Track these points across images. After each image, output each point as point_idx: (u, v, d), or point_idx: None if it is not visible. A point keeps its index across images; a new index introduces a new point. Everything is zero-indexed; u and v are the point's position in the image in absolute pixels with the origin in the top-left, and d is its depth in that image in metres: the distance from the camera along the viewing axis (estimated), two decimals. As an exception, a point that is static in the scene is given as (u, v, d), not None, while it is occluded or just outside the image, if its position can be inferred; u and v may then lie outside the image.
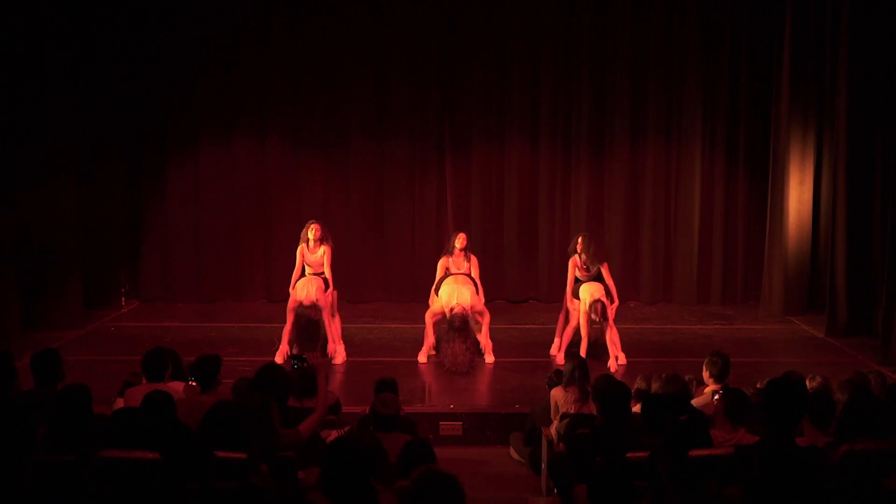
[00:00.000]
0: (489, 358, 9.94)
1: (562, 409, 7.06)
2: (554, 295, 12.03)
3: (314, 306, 9.78)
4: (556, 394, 7.25)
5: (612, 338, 9.83)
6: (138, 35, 12.69)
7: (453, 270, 10.07)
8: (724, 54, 12.86)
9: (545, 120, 13.13)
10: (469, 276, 10.05)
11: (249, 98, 13.04)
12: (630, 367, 9.58)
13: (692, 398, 6.87)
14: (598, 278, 10.04)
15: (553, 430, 6.85)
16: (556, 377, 7.63)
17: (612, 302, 9.89)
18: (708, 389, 6.95)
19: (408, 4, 12.96)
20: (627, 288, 12.53)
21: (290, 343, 9.82)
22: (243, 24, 12.89)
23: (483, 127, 13.14)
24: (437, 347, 9.97)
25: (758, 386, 6.75)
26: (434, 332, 9.99)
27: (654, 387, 6.91)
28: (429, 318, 9.98)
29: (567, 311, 10.15)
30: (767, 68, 12.48)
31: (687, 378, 7.27)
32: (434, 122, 13.15)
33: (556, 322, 10.48)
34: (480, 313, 9.96)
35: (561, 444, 6.39)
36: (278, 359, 9.58)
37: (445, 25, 12.99)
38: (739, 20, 12.82)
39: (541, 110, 13.11)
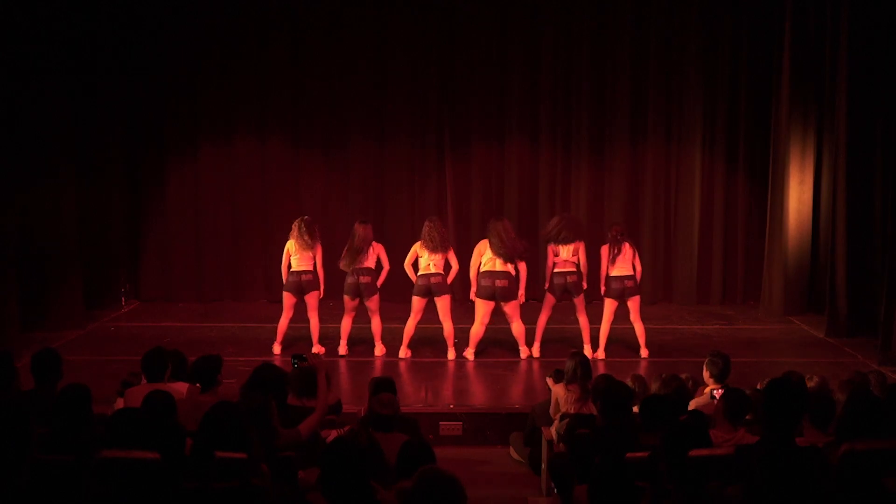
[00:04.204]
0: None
1: (562, 408, 7.05)
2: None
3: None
4: (558, 391, 7.25)
5: (582, 324, 10.14)
6: (138, 35, 12.70)
7: (430, 269, 10.03)
8: (724, 55, 12.87)
9: (545, 120, 13.13)
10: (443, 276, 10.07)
11: (249, 98, 13.05)
12: (630, 367, 9.58)
13: (691, 398, 6.87)
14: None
15: (553, 429, 6.85)
16: (557, 376, 7.62)
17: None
18: (708, 389, 6.95)
19: (408, 5, 12.96)
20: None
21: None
22: (243, 24, 12.91)
23: (483, 127, 13.15)
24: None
25: (758, 386, 6.74)
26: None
27: (654, 387, 6.91)
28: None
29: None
30: (767, 69, 12.48)
31: (684, 376, 7.27)
32: (434, 122, 13.15)
33: (556, 323, 10.51)
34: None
35: (561, 444, 6.39)
36: (342, 350, 10.21)
37: (446, 26, 13.00)
38: (739, 21, 12.83)
39: (541, 110, 13.12)
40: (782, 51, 12.09)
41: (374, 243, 10.14)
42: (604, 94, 13.08)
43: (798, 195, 12.11)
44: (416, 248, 10.10)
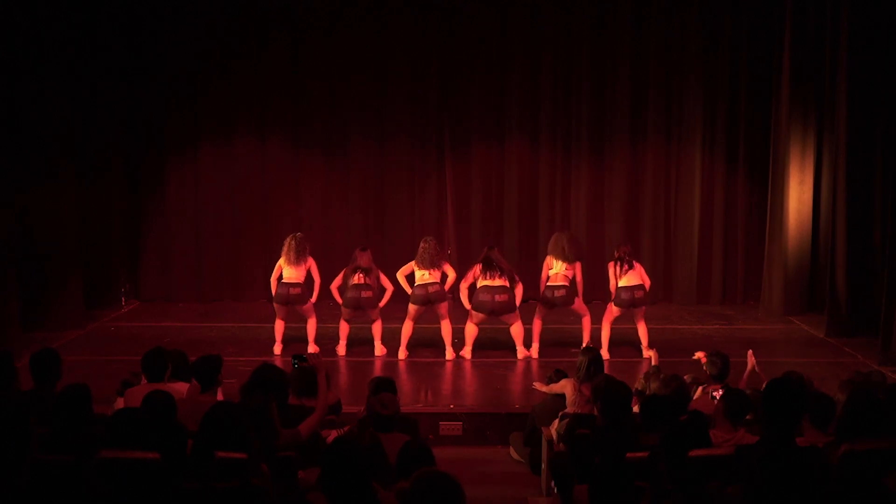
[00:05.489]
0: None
1: (570, 408, 7.02)
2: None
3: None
4: (566, 386, 7.23)
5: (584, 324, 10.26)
6: (138, 35, 12.71)
7: (426, 279, 10.04)
8: (724, 55, 12.87)
9: (545, 120, 13.14)
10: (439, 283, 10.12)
11: (249, 98, 13.05)
12: (630, 367, 9.59)
13: (691, 399, 6.88)
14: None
15: (553, 429, 6.85)
16: (557, 377, 7.61)
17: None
18: (700, 389, 6.99)
19: (408, 5, 12.97)
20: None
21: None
22: (243, 24, 12.91)
23: (483, 127, 13.15)
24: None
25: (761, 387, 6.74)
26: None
27: (653, 387, 6.91)
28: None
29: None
30: (767, 69, 12.48)
31: (686, 378, 7.27)
32: (434, 122, 13.16)
33: (555, 322, 10.51)
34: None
35: (561, 444, 6.39)
36: (340, 351, 10.20)
37: (446, 26, 13.01)
38: (739, 21, 12.83)
39: (541, 110, 13.12)
40: (782, 51, 12.09)
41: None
42: (604, 94, 13.08)
43: (798, 195, 12.11)
44: (413, 264, 10.15)
